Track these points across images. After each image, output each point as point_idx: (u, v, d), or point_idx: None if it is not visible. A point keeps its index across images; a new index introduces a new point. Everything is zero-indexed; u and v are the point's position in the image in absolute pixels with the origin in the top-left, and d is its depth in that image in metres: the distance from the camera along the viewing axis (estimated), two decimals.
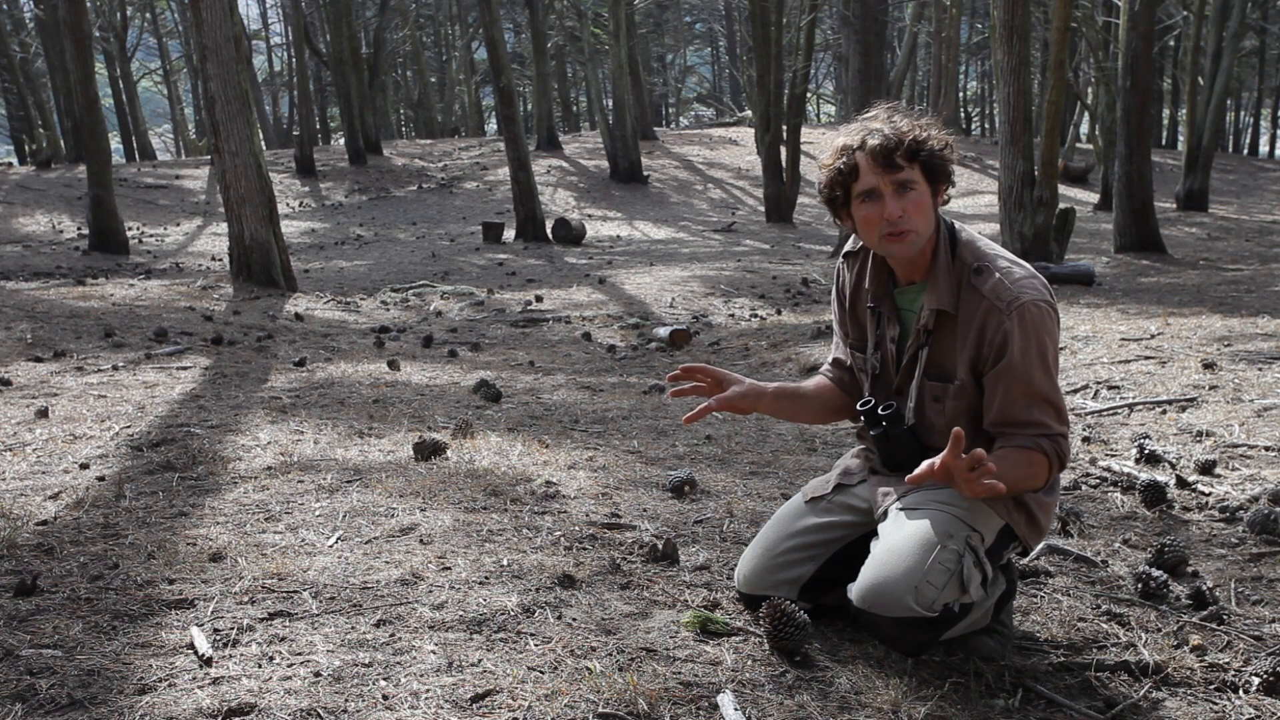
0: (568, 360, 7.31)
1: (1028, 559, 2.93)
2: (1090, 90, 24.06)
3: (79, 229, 18.14)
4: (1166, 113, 33.84)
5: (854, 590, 2.25)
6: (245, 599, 2.44)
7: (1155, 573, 2.73)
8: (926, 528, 2.23)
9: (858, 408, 2.46)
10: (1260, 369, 5.28)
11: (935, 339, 2.34)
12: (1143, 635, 2.47)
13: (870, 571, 2.24)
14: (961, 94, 40.59)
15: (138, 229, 19.24)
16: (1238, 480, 3.73)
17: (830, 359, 2.68)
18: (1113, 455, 4.17)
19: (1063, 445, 2.25)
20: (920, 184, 2.25)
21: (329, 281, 12.81)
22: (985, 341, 2.26)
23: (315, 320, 8.99)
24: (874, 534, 2.38)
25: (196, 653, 2.15)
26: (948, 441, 2.35)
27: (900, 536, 2.24)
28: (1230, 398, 4.80)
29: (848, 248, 2.56)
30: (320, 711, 1.92)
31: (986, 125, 41.02)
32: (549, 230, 18.08)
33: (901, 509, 2.32)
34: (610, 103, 27.59)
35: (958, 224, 2.41)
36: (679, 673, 2.13)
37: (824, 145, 29.56)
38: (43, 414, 4.60)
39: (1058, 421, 2.25)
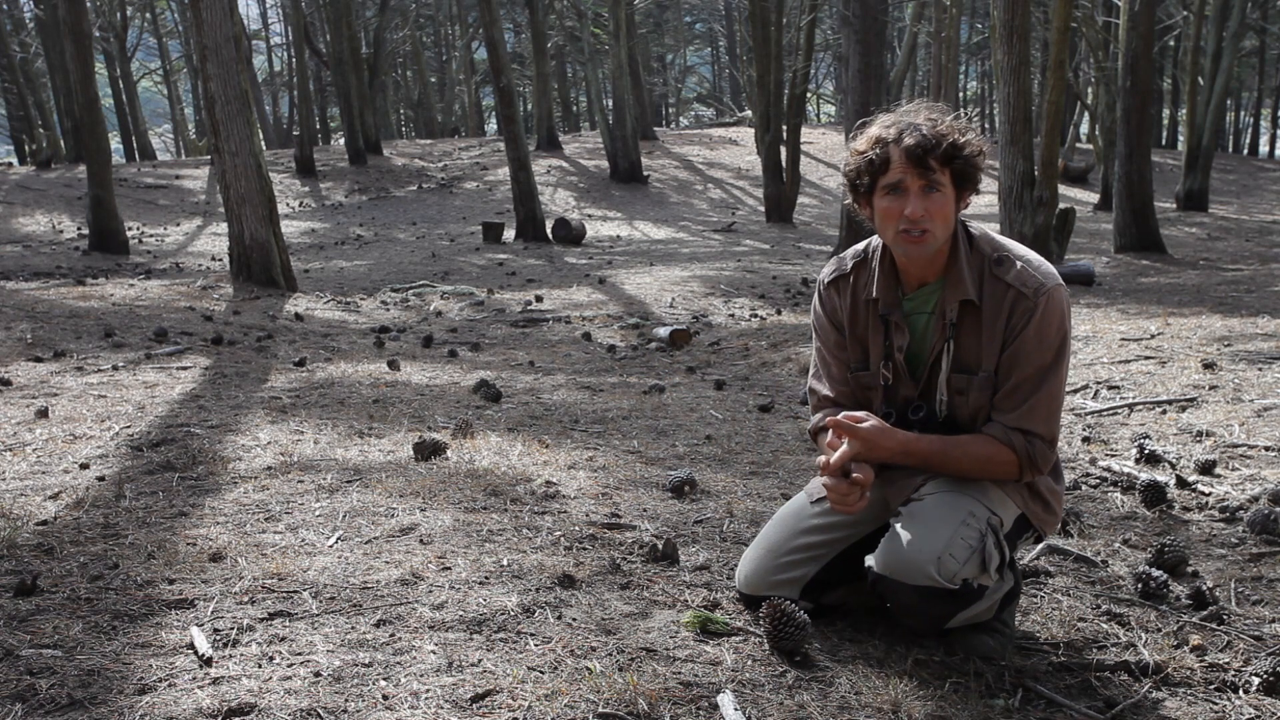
0: (568, 360, 7.30)
1: (1027, 560, 2.93)
2: (1090, 90, 24.07)
3: (79, 229, 18.14)
4: (1166, 113, 33.84)
5: (874, 558, 2.27)
6: (245, 599, 2.44)
7: (1155, 573, 2.73)
8: (952, 504, 2.27)
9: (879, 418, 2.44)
10: (1260, 369, 5.28)
11: (960, 332, 2.35)
12: (1143, 635, 2.47)
13: (892, 540, 2.25)
14: (961, 94, 40.58)
15: (138, 229, 19.24)
16: (1238, 480, 3.73)
17: (824, 400, 2.53)
18: (1113, 455, 4.17)
19: (1037, 448, 2.27)
20: (947, 188, 2.26)
21: (329, 281, 12.81)
22: (1011, 328, 2.29)
23: (315, 320, 8.99)
24: (876, 535, 2.38)
25: (196, 653, 2.15)
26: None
27: (925, 510, 2.27)
28: (1230, 398, 4.80)
29: (831, 276, 2.51)
30: (320, 711, 1.92)
31: (986, 125, 40.98)
32: (549, 230, 18.08)
33: (926, 492, 2.35)
34: (610, 103, 27.59)
35: (966, 220, 2.42)
36: (679, 673, 2.13)
37: (825, 144, 29.63)
38: (43, 414, 4.60)
39: (1042, 425, 2.28)
